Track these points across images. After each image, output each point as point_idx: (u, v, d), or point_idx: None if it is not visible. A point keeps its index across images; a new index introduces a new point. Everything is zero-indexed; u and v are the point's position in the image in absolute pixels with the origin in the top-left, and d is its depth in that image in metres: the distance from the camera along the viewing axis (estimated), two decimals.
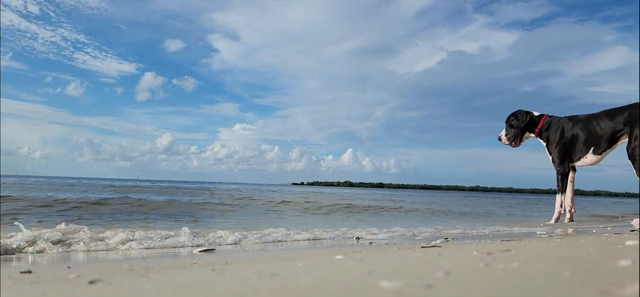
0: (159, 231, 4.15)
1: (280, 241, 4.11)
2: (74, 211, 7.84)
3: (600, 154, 5.51)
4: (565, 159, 5.74)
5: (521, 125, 5.96)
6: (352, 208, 10.51)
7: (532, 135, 6.02)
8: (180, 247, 3.64)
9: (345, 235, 4.75)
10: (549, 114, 5.93)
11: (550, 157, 5.87)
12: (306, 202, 12.38)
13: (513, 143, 6.12)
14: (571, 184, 5.87)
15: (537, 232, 4.63)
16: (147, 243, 3.64)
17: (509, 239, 3.50)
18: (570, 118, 5.74)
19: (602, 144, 5.44)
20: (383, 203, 11.47)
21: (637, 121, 5.01)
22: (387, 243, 3.68)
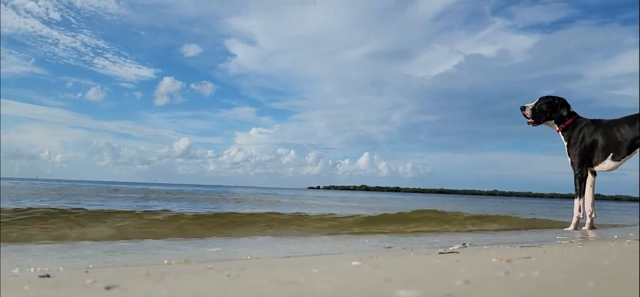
0: None
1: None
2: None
3: (619, 160, 5.41)
4: (584, 163, 5.63)
5: (559, 112, 5.76)
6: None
7: (556, 126, 5.86)
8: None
9: None
10: (578, 115, 5.79)
11: (570, 160, 5.76)
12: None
13: (534, 121, 5.93)
14: (591, 188, 5.76)
15: (557, 238, 4.55)
16: None
17: (528, 245, 3.44)
18: (593, 122, 5.62)
19: (622, 150, 5.34)
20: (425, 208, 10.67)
21: None
22: (403, 248, 3.64)
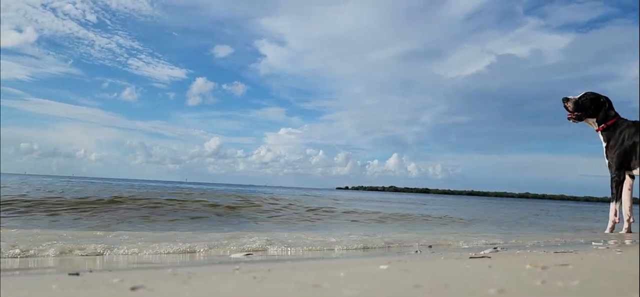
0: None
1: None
2: None
3: None
4: (622, 166, 5.43)
5: (603, 110, 5.53)
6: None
7: (595, 125, 5.62)
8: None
9: None
10: (620, 116, 5.55)
11: (607, 162, 5.55)
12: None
13: (575, 115, 5.68)
14: (629, 191, 5.56)
15: (593, 244, 4.40)
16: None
17: (563, 250, 3.32)
18: (635, 123, 5.39)
19: None
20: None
21: None
22: (433, 252, 3.56)
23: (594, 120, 5.61)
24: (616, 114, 5.54)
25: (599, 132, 5.61)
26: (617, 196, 5.54)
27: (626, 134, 5.37)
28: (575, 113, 5.64)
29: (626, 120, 5.50)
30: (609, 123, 5.50)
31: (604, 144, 5.58)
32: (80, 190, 12.91)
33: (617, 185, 5.50)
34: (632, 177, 5.52)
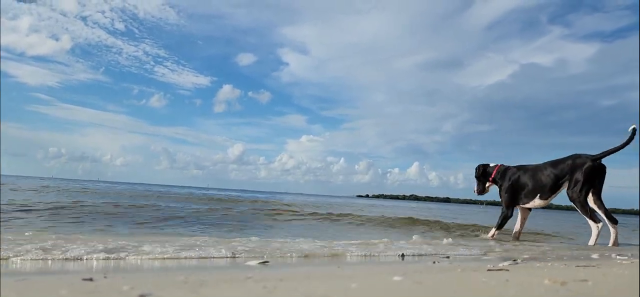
0: None
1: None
2: None
3: None
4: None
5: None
6: None
7: None
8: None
9: None
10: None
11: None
12: None
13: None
14: None
15: (617, 258, 4.27)
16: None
17: (585, 264, 3.23)
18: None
19: None
20: None
21: None
22: (450, 263, 3.50)
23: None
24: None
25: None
26: None
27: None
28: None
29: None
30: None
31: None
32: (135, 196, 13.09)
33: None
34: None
